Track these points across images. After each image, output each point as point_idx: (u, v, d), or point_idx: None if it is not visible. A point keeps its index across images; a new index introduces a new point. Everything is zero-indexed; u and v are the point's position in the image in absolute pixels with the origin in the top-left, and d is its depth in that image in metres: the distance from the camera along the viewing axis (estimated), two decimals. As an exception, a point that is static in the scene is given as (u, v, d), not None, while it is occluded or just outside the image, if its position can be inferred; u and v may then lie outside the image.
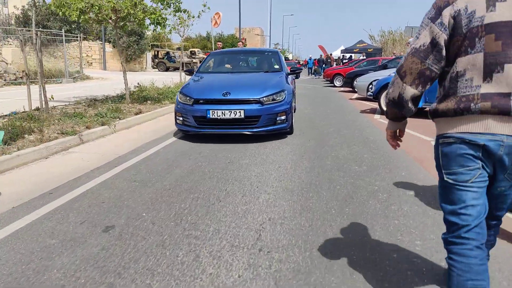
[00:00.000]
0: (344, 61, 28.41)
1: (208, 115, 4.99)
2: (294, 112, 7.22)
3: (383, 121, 7.31)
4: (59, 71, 14.96)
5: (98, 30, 25.52)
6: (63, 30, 14.94)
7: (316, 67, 28.92)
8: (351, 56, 31.79)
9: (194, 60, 28.54)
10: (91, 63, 24.43)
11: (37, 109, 6.46)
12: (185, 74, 7.02)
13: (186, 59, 29.68)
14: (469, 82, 1.31)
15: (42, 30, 20.14)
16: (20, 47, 6.60)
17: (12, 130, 4.63)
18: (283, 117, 5.18)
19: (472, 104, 1.29)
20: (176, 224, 2.60)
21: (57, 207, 2.91)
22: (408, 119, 1.65)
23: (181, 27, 11.93)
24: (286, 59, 51.68)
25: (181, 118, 5.28)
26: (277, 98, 5.17)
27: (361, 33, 78.51)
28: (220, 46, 13.15)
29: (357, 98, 11.62)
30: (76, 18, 6.57)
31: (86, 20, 7.38)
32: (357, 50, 31.31)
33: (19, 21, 22.95)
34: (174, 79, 13.04)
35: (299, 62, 51.46)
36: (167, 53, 29.80)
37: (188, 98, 5.21)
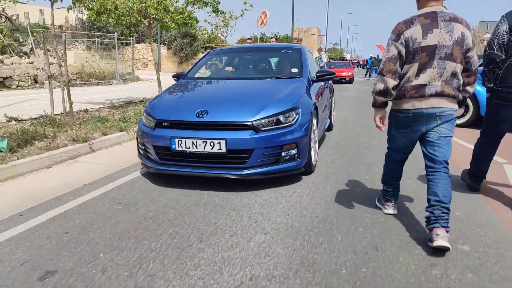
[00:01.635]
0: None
1: (173, 146, 3.22)
2: (330, 129, 6.00)
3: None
4: (112, 73, 15.45)
5: (155, 33, 26.37)
6: (115, 34, 15.39)
7: (369, 67, 27.75)
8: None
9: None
10: (147, 64, 25.28)
11: (69, 112, 6.38)
12: (174, 79, 4.89)
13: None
14: (407, 78, 2.36)
15: (102, 34, 21.21)
16: (58, 50, 6.53)
17: (21, 136, 4.44)
18: (292, 151, 3.29)
19: (406, 91, 2.36)
20: (130, 275, 2.02)
21: (12, 236, 2.48)
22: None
23: (224, 27, 11.55)
24: (343, 59, 49.79)
25: (142, 147, 3.60)
26: (284, 121, 3.29)
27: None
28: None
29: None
30: (94, 19, 6.41)
31: (119, 23, 7.22)
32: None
33: (84, 26, 24.44)
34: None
35: (358, 62, 49.11)
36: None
37: (150, 118, 3.49)
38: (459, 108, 2.45)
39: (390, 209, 2.79)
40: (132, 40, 16.41)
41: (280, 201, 3.06)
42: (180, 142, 3.21)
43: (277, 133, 3.23)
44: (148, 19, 7.03)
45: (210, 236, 2.46)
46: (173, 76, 4.94)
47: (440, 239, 2.16)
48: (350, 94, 13.45)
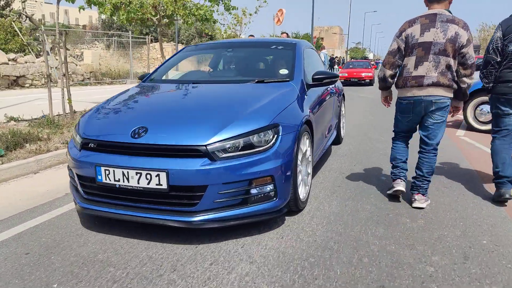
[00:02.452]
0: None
1: (99, 177, 2.31)
2: (339, 142, 5.04)
3: (470, 140, 5.61)
4: (126, 72, 15.41)
5: (173, 32, 26.38)
6: (129, 33, 15.34)
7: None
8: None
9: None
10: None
11: (69, 112, 6.19)
12: (138, 81, 3.98)
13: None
14: (407, 69, 2.79)
15: (121, 33, 21.33)
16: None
17: (11, 138, 4.23)
18: (267, 187, 2.35)
19: (408, 81, 2.79)
20: (80, 315, 1.69)
21: (-34, 257, 2.21)
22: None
23: (237, 25, 11.22)
24: (365, 58, 48.53)
25: (71, 175, 2.64)
26: (257, 145, 2.32)
27: (454, 29, 70.42)
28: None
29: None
30: (109, 15, 6.20)
31: (129, 20, 7.00)
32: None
33: (104, 25, 24.69)
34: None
35: (379, 62, 47.88)
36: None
37: (78, 137, 2.57)
38: (462, 100, 2.91)
39: (399, 186, 3.01)
40: (148, 39, 16.32)
41: (276, 220, 2.68)
42: (107, 172, 2.27)
43: (243, 162, 2.23)
44: (163, 15, 6.76)
45: (186, 263, 2.11)
46: (139, 78, 3.96)
47: (417, 202, 2.90)
48: (368, 95, 12.80)
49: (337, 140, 4.99)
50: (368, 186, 3.42)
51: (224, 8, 8.18)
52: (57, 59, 14.58)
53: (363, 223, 2.63)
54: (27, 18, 15.76)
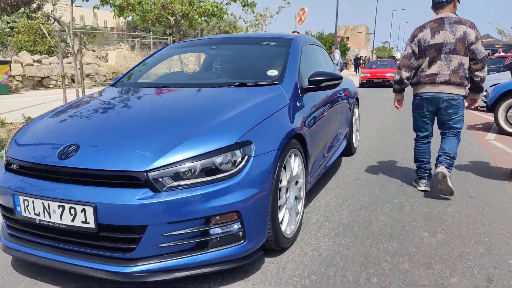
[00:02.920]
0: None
1: (18, 208, 1.81)
2: (351, 154, 4.41)
3: (500, 145, 5.21)
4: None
5: (196, 33, 26.59)
6: (151, 33, 15.52)
7: None
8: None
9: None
10: (187, 65, 25.53)
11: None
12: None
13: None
14: (422, 69, 3.05)
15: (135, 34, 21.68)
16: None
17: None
18: (233, 226, 1.80)
19: (421, 79, 3.03)
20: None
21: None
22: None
23: (258, 24, 11.08)
24: (392, 57, 47.26)
25: None
26: (220, 168, 1.77)
27: (487, 27, 67.77)
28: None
29: (468, 107, 9.09)
30: (118, 15, 6.20)
31: (145, 20, 7.00)
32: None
33: (129, 27, 25.21)
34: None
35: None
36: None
37: (4, 154, 2.15)
38: (477, 93, 3.06)
39: (422, 186, 3.23)
40: (170, 39, 16.45)
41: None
42: (26, 202, 1.77)
43: (197, 194, 1.67)
44: (174, 16, 6.72)
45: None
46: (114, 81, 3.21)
47: (439, 169, 2.94)
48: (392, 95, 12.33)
49: (349, 151, 4.33)
50: (385, 194, 3.17)
51: (242, 4, 8.03)
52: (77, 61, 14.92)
53: (375, 236, 2.41)
54: (55, 21, 16.25)
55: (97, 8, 6.89)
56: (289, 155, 2.18)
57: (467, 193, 3.20)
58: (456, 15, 3.00)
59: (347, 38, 66.59)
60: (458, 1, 3.03)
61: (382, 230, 2.50)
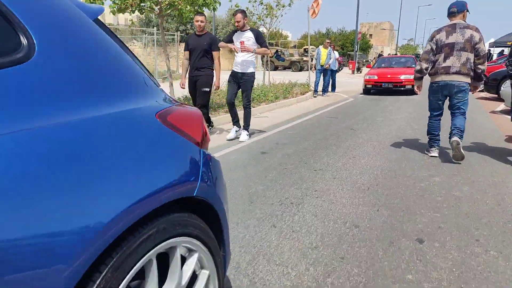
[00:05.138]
0: (495, 57, 22.19)
1: None
2: None
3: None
4: (160, 72, 14.98)
5: (209, 29, 25.90)
6: (154, 29, 14.86)
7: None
8: (502, 51, 25.05)
9: (304, 59, 26.61)
10: None
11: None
12: None
13: (296, 57, 28.00)
14: (438, 63, 3.79)
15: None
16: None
17: None
18: None
19: (438, 70, 3.80)
20: None
21: None
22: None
23: (267, 17, 10.17)
24: (417, 56, 45.10)
25: None
26: None
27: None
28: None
29: (504, 111, 7.83)
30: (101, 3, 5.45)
31: (120, 9, 6.20)
32: (513, 43, 24.36)
33: (142, 23, 24.79)
34: (275, 78, 11.38)
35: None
36: (276, 51, 28.57)
37: None
38: (479, 81, 3.86)
39: (433, 153, 4.07)
40: (177, 35, 15.81)
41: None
42: None
43: None
44: (158, 5, 5.91)
45: None
46: None
47: (453, 138, 3.78)
48: (416, 96, 11.01)
49: None
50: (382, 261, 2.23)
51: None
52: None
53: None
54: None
55: (102, 3, 6.08)
56: None
57: (491, 225, 2.25)
58: (465, 21, 3.84)
59: (370, 35, 64.59)
60: (467, 11, 3.84)
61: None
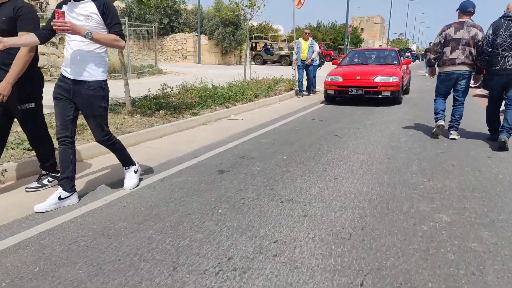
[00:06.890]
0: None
1: None
2: None
3: None
4: (134, 66, 13.90)
5: (195, 22, 24.78)
6: (126, 19, 13.75)
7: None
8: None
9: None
10: (186, 56, 23.78)
11: None
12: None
13: (285, 51, 26.97)
14: (446, 54, 4.60)
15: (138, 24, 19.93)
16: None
17: None
18: None
19: (446, 62, 4.60)
20: None
21: None
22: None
23: (248, 7, 9.19)
24: (409, 50, 44.41)
25: None
26: None
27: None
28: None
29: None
30: None
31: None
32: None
33: (122, 15, 23.55)
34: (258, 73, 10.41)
35: (417, 55, 43.19)
36: (265, 45, 27.51)
37: None
38: (480, 74, 4.62)
39: (441, 121, 4.71)
40: (154, 27, 14.74)
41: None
42: None
43: None
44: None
45: None
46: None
47: (452, 135, 4.66)
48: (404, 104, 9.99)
49: None
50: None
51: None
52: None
53: None
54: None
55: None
56: None
57: None
58: (472, 20, 4.58)
59: (362, 29, 63.60)
60: (474, 12, 4.56)
61: None
